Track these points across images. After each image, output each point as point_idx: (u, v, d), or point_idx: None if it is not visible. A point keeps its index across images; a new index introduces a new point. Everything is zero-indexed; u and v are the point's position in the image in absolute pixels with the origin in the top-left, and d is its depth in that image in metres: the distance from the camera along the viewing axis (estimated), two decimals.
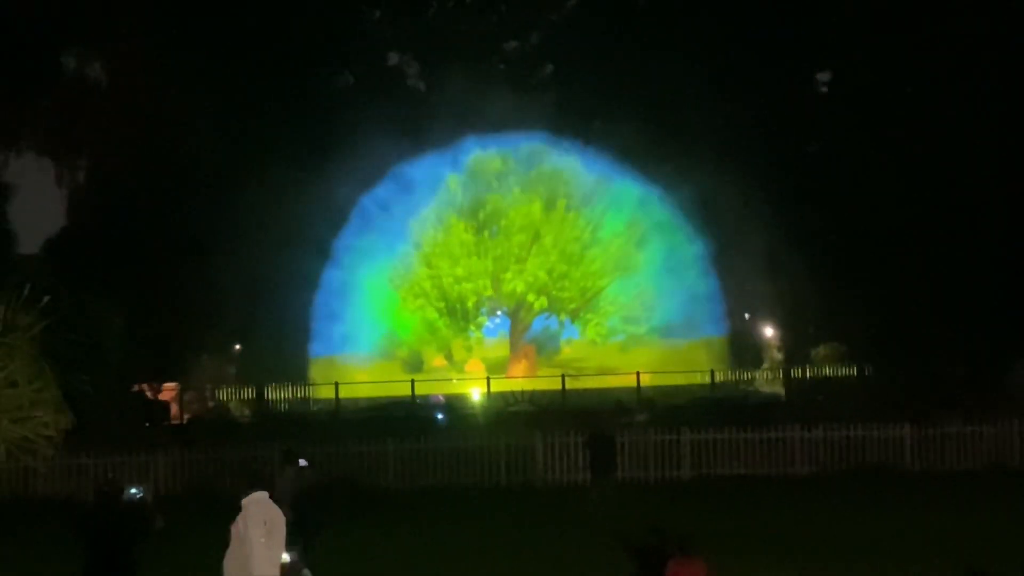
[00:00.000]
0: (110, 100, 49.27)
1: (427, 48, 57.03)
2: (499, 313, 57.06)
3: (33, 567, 18.67)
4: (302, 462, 18.86)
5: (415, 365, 54.12)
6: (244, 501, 12.16)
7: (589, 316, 55.98)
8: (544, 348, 56.59)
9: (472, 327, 56.37)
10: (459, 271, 55.79)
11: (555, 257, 55.76)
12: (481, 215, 55.83)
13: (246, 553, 11.84)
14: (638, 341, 54.88)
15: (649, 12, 53.44)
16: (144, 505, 14.57)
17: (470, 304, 56.08)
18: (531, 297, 55.69)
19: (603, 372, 50.48)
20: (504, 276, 55.88)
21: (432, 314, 55.84)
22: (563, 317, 56.31)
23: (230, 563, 11.99)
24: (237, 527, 11.98)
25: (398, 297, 55.57)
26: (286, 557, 11.82)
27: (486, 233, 55.92)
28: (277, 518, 12.35)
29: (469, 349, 56.27)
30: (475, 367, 54.76)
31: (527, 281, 55.59)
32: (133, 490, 14.71)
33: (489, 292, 56.16)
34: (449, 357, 56.09)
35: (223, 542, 11.95)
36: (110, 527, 14.12)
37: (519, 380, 50.87)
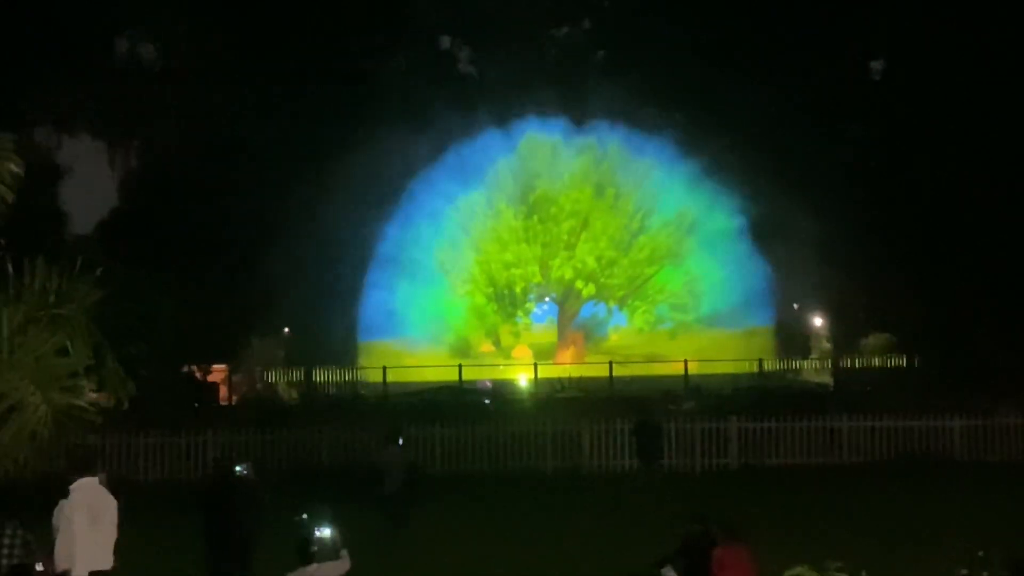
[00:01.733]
0: (163, 83, 49.68)
1: (478, 33, 56.99)
2: (547, 300, 57.00)
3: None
4: (400, 441, 20.90)
5: (463, 350, 54.16)
6: (72, 487, 11.44)
7: (637, 304, 55.82)
8: (592, 335, 56.49)
9: (520, 313, 56.35)
10: (508, 257, 55.78)
11: (604, 244, 55.63)
12: (531, 200, 55.77)
13: (71, 539, 11.31)
14: (686, 329, 54.70)
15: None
16: (252, 481, 15.31)
17: (518, 290, 56.07)
18: (579, 284, 55.61)
19: (650, 360, 50.36)
20: (552, 263, 55.83)
21: (480, 300, 55.87)
22: (611, 304, 56.19)
23: (60, 549, 11.32)
24: (63, 512, 11.38)
25: (447, 282, 55.62)
26: (326, 532, 11.85)
27: (535, 219, 55.85)
28: (107, 503, 11.82)
29: (517, 335, 56.24)
30: (522, 353, 54.76)
31: (575, 268, 55.51)
32: (238, 468, 15.43)
33: (538, 279, 56.12)
34: (496, 343, 56.10)
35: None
36: (229, 502, 14.88)
37: (566, 367, 50.86)
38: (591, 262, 55.40)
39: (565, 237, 55.78)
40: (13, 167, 4.06)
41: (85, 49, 47.48)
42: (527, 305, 56.51)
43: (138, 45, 53.24)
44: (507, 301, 56.06)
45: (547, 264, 55.99)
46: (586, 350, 55.50)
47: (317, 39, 49.59)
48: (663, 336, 54.87)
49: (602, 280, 55.66)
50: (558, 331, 56.65)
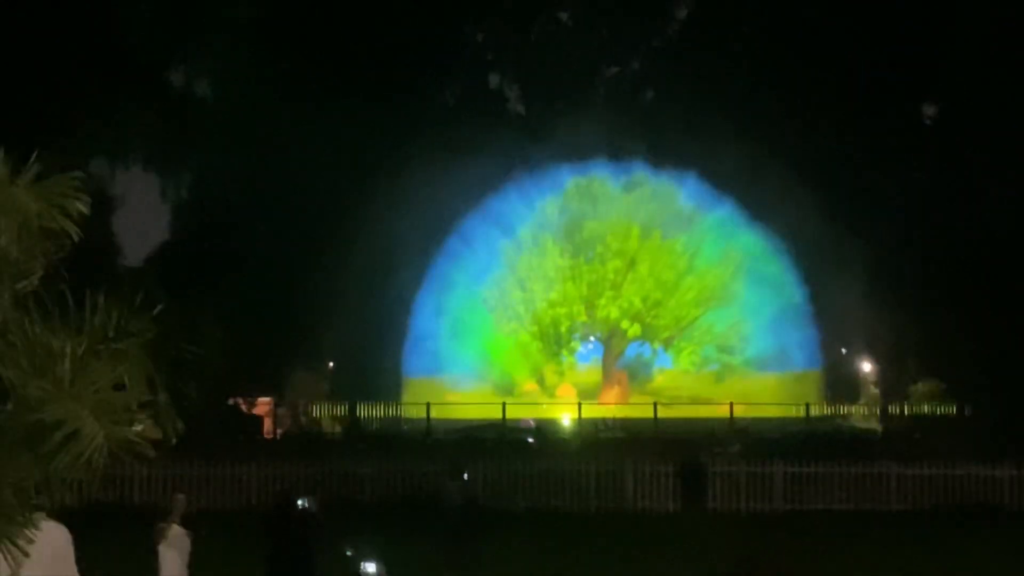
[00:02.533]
0: (216, 116, 50.15)
1: (528, 71, 57.24)
2: (592, 339, 56.89)
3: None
4: (464, 476, 21.07)
5: (506, 388, 54.09)
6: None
7: (683, 344, 55.61)
8: (636, 375, 56.30)
9: (564, 352, 56.27)
10: (553, 296, 55.78)
11: (650, 284, 55.51)
12: (577, 239, 55.77)
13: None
14: (732, 372, 54.43)
15: (752, 40, 53.17)
16: (313, 515, 15.50)
17: (563, 329, 56.02)
18: (625, 324, 55.48)
19: (696, 401, 50.09)
20: (598, 302, 55.75)
21: (525, 338, 55.84)
22: (656, 345, 56.01)
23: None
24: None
25: (492, 320, 55.65)
26: (372, 568, 11.88)
27: (581, 258, 55.85)
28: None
29: (561, 374, 56.14)
30: (566, 392, 54.63)
31: (621, 308, 55.41)
32: (300, 501, 15.64)
33: (583, 318, 56.06)
34: (541, 381, 56.01)
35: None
36: (291, 535, 15.03)
37: (611, 407, 50.66)
38: (637, 302, 55.28)
39: (611, 276, 55.72)
40: (80, 206, 4.10)
41: (139, 80, 48.02)
42: (572, 344, 56.42)
43: (192, 77, 53.88)
44: (552, 340, 56.00)
45: (592, 303, 55.92)
46: (631, 390, 55.31)
47: (369, 72, 49.93)
48: (708, 378, 54.62)
49: (648, 320, 55.51)
50: (603, 371, 56.51)
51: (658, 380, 55.88)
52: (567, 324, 56.01)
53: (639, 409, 48.28)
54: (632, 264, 55.70)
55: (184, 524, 13.54)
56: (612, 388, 55.71)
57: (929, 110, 53.35)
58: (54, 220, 4.30)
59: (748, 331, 54.27)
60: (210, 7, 49.66)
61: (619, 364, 56.41)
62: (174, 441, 4.56)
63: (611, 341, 56.31)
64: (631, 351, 56.38)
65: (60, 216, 4.19)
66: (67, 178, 4.09)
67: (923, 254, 45.22)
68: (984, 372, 42.31)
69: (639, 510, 30.08)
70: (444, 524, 20.20)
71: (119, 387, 4.77)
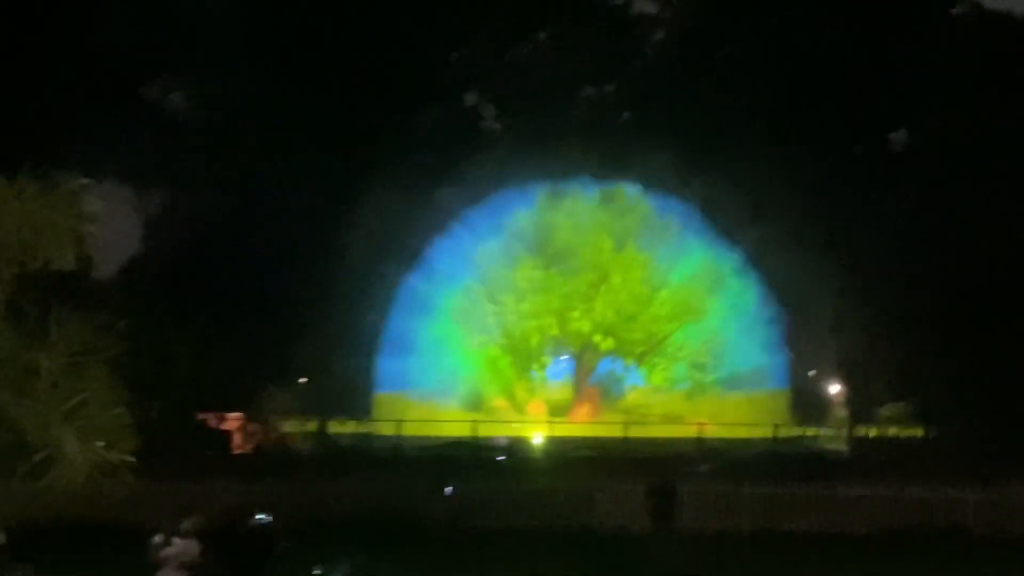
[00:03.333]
0: (193, 131, 50.12)
1: (505, 91, 57.37)
2: (564, 355, 56.80)
3: None
4: (448, 489, 20.48)
5: (476, 404, 54.00)
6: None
7: (656, 360, 55.61)
8: (609, 393, 56.31)
9: (535, 367, 56.18)
10: (524, 307, 55.67)
11: (624, 297, 55.35)
12: (549, 251, 55.54)
13: None
14: (703, 390, 54.50)
15: (728, 64, 53.50)
16: (271, 530, 15.41)
17: (534, 343, 55.96)
18: (597, 338, 55.49)
19: (668, 420, 50.20)
20: (571, 315, 55.69)
21: (495, 352, 55.71)
22: (630, 361, 56.01)
23: None
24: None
25: (463, 334, 55.45)
26: None
27: (554, 270, 55.65)
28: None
29: (531, 391, 56.08)
30: (537, 409, 54.62)
31: (594, 321, 55.39)
32: (260, 516, 15.55)
33: (555, 331, 56.00)
34: (511, 398, 55.91)
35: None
36: (237, 549, 14.93)
37: (582, 425, 50.72)
38: (611, 315, 55.28)
39: (584, 289, 55.62)
40: (95, 211, 4.21)
41: (115, 95, 47.99)
42: (543, 359, 56.35)
43: (171, 92, 53.80)
44: (522, 354, 55.94)
45: (565, 316, 55.85)
46: (602, 407, 55.34)
47: (346, 90, 50.02)
48: (681, 396, 54.69)
49: (621, 335, 55.50)
50: (574, 387, 56.52)
51: (630, 398, 55.90)
52: (538, 338, 55.96)
53: (610, 428, 48.38)
54: (605, 277, 55.68)
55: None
56: (583, 405, 55.72)
57: (901, 135, 53.82)
58: (58, 231, 4.40)
59: (720, 349, 54.43)
60: (187, 23, 49.66)
61: (591, 380, 56.42)
62: (132, 459, 4.64)
63: (583, 356, 56.31)
64: (603, 367, 56.36)
65: (71, 224, 4.28)
66: (75, 188, 4.18)
67: (892, 278, 45.52)
68: (950, 395, 42.61)
69: (608, 529, 30.14)
70: (430, 537, 20.32)
71: (89, 405, 4.84)
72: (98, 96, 46.21)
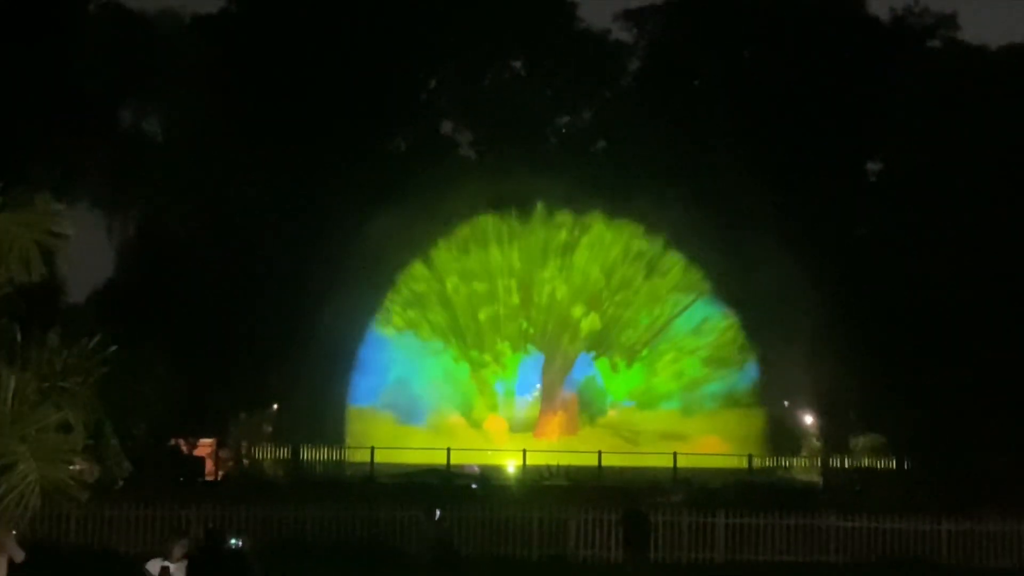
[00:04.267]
0: (165, 156, 50.02)
1: (480, 118, 57.44)
2: (530, 350, 54.87)
3: None
4: (438, 513, 21.72)
5: (435, 425, 52.94)
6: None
7: (664, 347, 54.67)
8: (589, 406, 55.18)
9: (487, 358, 54.18)
10: (479, 287, 54.24)
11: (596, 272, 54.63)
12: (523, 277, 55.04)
13: None
14: (687, 410, 54.02)
15: (702, 95, 53.76)
16: (244, 555, 15.39)
17: (482, 316, 53.90)
18: (577, 312, 53.74)
19: (641, 452, 50.05)
20: (539, 277, 54.15)
21: (449, 359, 54.65)
22: (616, 358, 54.85)
23: None
24: None
25: (427, 350, 54.40)
26: None
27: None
28: None
29: (494, 407, 55.00)
30: (495, 425, 53.76)
31: (573, 285, 53.97)
32: (233, 540, 15.53)
33: (516, 300, 54.05)
34: (467, 414, 54.56)
35: None
36: (214, 573, 14.87)
37: (556, 454, 50.41)
38: (596, 275, 53.95)
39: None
40: (63, 232, 4.15)
41: (89, 116, 47.88)
42: (498, 347, 54.74)
43: (143, 116, 53.71)
44: (472, 342, 54.16)
45: (528, 285, 54.21)
46: (580, 421, 54.33)
47: (320, 115, 50.02)
48: (676, 415, 53.97)
49: (606, 310, 54.11)
50: (543, 389, 55.25)
51: (611, 415, 55.16)
52: (489, 311, 54.21)
53: (584, 457, 48.20)
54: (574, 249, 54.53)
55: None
56: (554, 415, 54.57)
57: (874, 167, 54.16)
58: (33, 248, 4.35)
59: (693, 374, 54.24)
60: (160, 47, 49.61)
61: (567, 386, 55.58)
62: (120, 484, 4.58)
63: (557, 346, 55.01)
64: (579, 370, 55.38)
65: (43, 242, 4.21)
66: (46, 207, 4.13)
67: (865, 309, 45.67)
68: (923, 427, 42.72)
69: (581, 559, 30.06)
70: (415, 563, 20.36)
71: (65, 427, 4.77)
72: (70, 119, 46.06)
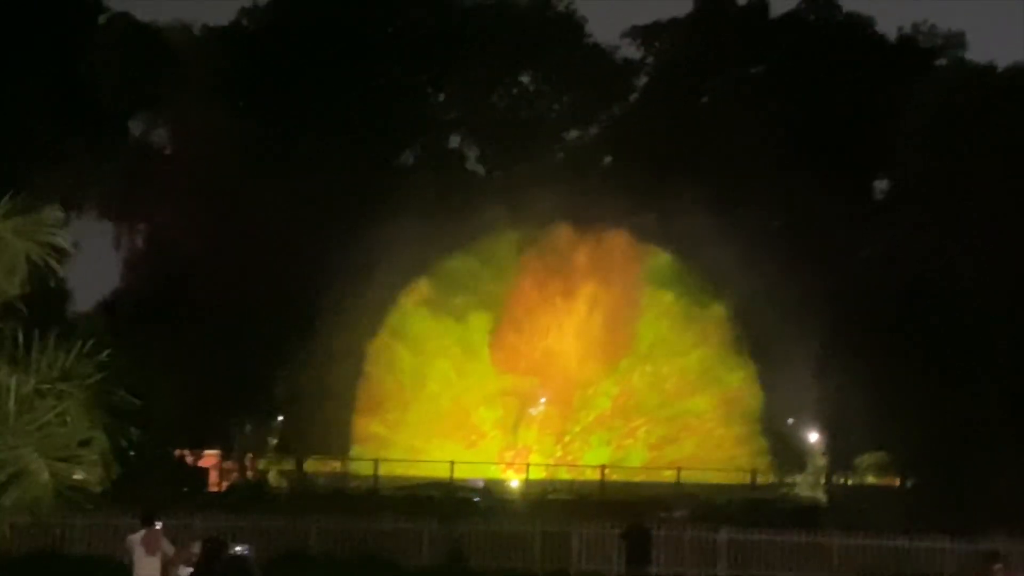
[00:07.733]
0: (173, 167, 50.17)
1: (488, 133, 57.55)
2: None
3: None
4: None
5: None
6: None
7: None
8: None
9: None
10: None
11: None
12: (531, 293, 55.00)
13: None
14: (688, 430, 53.91)
15: (709, 111, 53.83)
16: (247, 563, 15.53)
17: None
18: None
19: (644, 466, 49.98)
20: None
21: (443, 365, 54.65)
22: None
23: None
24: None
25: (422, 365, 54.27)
26: None
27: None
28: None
29: (500, 421, 54.57)
30: (501, 438, 53.57)
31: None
32: (238, 548, 15.72)
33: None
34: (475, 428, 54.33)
35: None
36: None
37: (559, 468, 50.34)
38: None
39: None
40: (62, 241, 4.21)
41: (99, 127, 48.06)
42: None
43: (152, 126, 53.92)
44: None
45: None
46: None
47: (329, 129, 50.13)
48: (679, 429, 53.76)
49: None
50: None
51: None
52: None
53: (587, 472, 48.25)
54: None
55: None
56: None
57: (881, 185, 54.20)
58: (21, 257, 4.40)
59: (698, 389, 54.05)
60: (171, 58, 49.82)
61: None
62: (108, 484, 4.63)
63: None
64: None
65: (43, 251, 4.28)
66: (48, 216, 4.19)
67: (871, 327, 45.62)
68: (927, 445, 42.66)
69: (583, 572, 30.07)
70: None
71: (63, 423, 4.82)
72: (80, 129, 46.24)
